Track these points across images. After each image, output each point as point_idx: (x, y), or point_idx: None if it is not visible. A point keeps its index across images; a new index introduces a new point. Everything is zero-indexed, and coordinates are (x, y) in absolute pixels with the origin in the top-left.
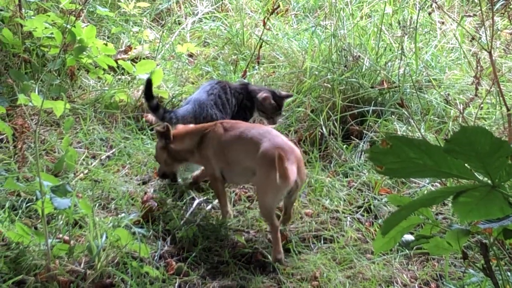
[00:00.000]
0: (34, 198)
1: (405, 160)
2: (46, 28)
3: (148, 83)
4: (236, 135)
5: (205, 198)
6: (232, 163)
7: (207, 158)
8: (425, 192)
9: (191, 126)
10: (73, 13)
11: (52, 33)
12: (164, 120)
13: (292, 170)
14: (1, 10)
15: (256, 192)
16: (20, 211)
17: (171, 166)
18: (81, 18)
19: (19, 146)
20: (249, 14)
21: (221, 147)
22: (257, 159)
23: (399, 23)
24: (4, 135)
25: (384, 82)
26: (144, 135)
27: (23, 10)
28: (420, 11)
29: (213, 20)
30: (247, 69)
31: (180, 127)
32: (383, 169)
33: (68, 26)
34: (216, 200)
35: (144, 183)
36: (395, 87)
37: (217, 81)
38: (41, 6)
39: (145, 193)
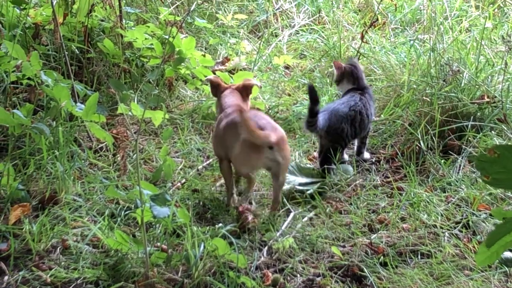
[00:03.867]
0: (133, 206)
1: None
2: (146, 39)
3: (311, 90)
4: (228, 122)
5: (300, 210)
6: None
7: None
8: None
9: (234, 99)
10: (174, 24)
11: (151, 44)
12: (311, 126)
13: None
14: (103, 20)
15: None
16: (119, 219)
17: None
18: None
19: (120, 155)
20: (346, 27)
21: (221, 134)
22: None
23: (503, 38)
24: (104, 144)
25: (486, 97)
26: None
27: (124, 21)
28: None
29: (310, 33)
30: None
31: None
32: (489, 179)
33: (169, 37)
34: (313, 212)
35: (240, 193)
36: (497, 101)
37: (360, 98)
38: (141, 17)
39: (241, 203)
